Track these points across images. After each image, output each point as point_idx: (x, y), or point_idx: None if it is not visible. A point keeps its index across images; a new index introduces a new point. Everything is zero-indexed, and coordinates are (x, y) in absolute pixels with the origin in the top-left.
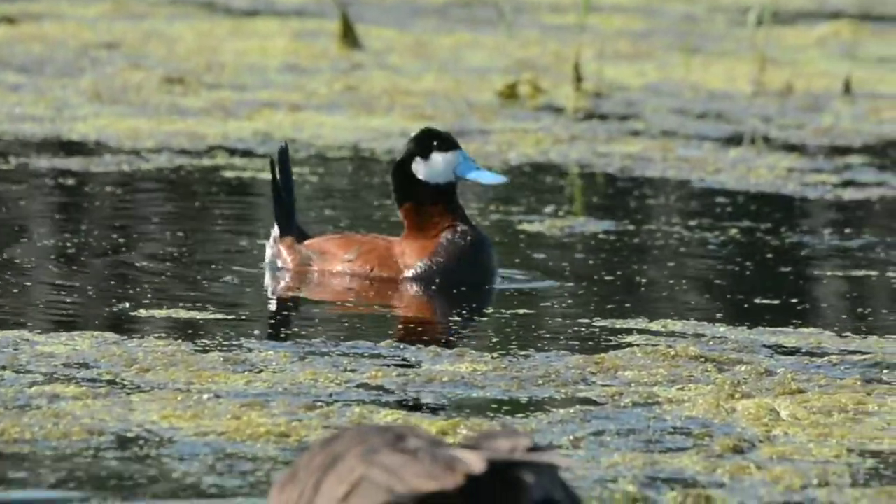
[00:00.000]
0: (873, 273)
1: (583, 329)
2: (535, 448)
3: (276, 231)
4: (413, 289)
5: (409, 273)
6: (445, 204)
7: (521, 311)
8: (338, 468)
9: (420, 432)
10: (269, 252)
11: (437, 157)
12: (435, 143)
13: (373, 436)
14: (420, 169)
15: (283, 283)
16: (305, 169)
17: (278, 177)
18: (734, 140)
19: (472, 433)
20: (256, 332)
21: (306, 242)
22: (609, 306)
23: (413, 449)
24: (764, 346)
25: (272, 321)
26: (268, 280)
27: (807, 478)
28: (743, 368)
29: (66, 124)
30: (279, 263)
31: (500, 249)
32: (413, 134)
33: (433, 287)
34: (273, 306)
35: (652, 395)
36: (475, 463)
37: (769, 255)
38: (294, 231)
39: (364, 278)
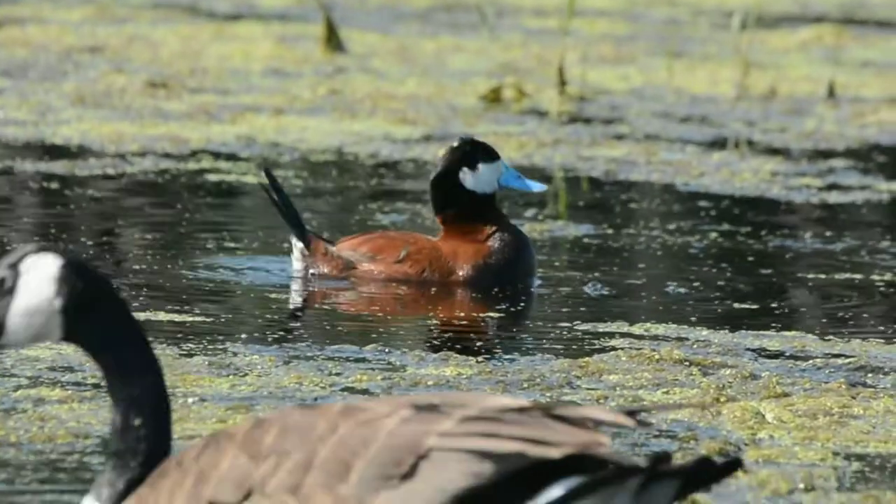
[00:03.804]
0: (857, 276)
1: (566, 333)
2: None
3: (298, 244)
4: (451, 293)
5: (461, 275)
6: (489, 210)
7: (504, 315)
8: (373, 445)
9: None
10: (297, 265)
11: (483, 168)
12: (479, 154)
13: (384, 403)
14: (467, 179)
15: (297, 291)
16: (290, 172)
17: (276, 196)
18: (718, 144)
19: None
20: (241, 335)
21: (340, 247)
22: (592, 310)
23: (494, 410)
24: (748, 349)
25: (257, 325)
26: (299, 290)
27: (793, 481)
28: (727, 372)
29: (50, 128)
30: (314, 272)
31: None
32: (454, 144)
33: (482, 289)
34: (258, 310)
35: (637, 398)
36: (622, 418)
37: (752, 259)
38: (313, 238)
39: (411, 281)
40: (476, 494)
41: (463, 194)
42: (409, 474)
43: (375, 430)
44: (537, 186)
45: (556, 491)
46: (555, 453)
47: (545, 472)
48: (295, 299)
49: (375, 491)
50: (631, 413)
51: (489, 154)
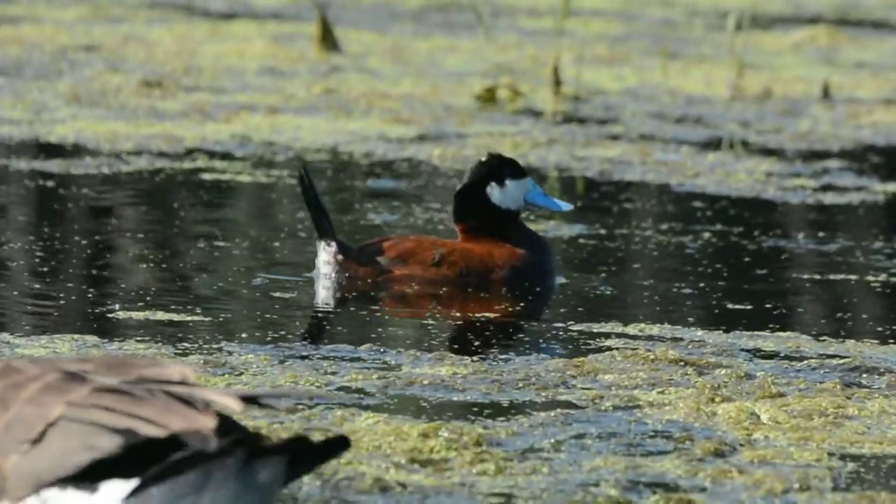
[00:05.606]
0: (852, 277)
1: (561, 332)
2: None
3: (329, 248)
4: (489, 294)
5: (498, 276)
6: (512, 226)
7: (499, 315)
8: (11, 408)
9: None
10: (326, 268)
11: (511, 184)
12: (507, 170)
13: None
14: (494, 194)
15: (294, 291)
16: (284, 172)
17: (315, 195)
18: (712, 144)
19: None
20: (237, 334)
21: (372, 251)
22: (587, 309)
23: (117, 388)
24: (742, 349)
25: (253, 324)
26: (295, 290)
27: (788, 482)
28: (722, 372)
29: (45, 127)
30: (346, 276)
31: None
32: (483, 159)
33: (516, 289)
34: (254, 310)
35: (632, 398)
36: (232, 401)
37: (747, 259)
38: (347, 244)
39: (449, 283)
40: (98, 466)
41: (488, 208)
42: (37, 440)
43: (18, 393)
44: (565, 206)
45: (154, 469)
46: (160, 432)
47: (168, 449)
48: (291, 299)
49: (7, 454)
50: (250, 399)
51: (517, 171)
